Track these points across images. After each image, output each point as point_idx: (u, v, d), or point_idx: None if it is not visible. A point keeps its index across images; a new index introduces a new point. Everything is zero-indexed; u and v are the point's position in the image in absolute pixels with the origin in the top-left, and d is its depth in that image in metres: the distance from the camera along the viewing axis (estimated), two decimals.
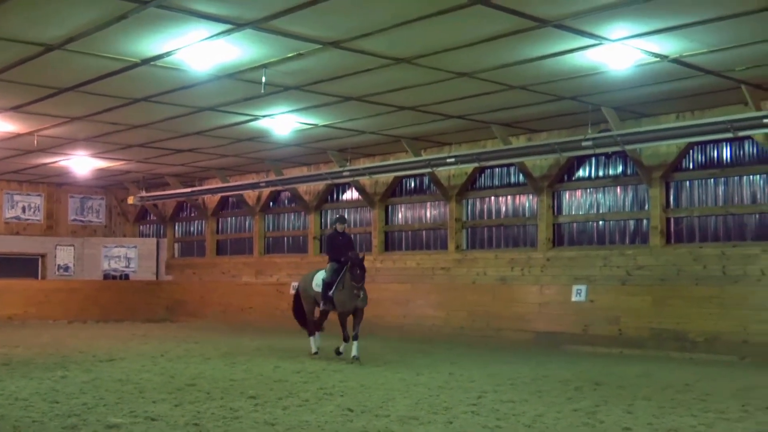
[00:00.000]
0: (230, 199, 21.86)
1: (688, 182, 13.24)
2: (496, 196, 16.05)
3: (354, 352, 10.70)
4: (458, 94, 11.91)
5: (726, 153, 12.77)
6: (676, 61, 9.87)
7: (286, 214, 20.83)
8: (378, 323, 15.40)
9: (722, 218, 12.74)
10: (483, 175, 16.27)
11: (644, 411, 7.05)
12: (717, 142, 12.66)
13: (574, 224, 14.80)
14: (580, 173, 14.76)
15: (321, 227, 19.39)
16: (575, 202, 14.78)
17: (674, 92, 11.58)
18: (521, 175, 15.31)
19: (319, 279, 11.30)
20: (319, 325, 11.97)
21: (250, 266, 21.16)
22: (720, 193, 12.84)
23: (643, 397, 7.93)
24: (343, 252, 11.22)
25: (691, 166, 13.26)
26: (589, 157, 14.17)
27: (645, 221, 13.58)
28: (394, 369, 10.31)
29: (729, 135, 11.51)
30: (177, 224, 24.23)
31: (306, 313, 11.79)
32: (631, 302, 13.08)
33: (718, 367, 10.82)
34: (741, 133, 11.33)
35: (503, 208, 15.91)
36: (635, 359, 11.73)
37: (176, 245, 24.23)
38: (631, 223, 13.96)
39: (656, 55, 9.65)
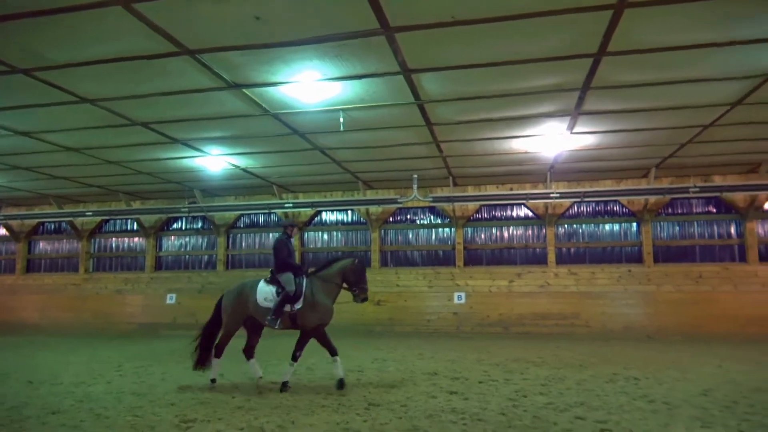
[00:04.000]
0: None
1: (240, 234, 17.47)
2: (118, 237, 18.36)
3: (286, 376, 7.32)
4: (103, 173, 13.62)
5: (260, 219, 17.50)
6: (243, 170, 13.45)
7: None
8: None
9: (257, 255, 17.10)
10: (109, 223, 18.43)
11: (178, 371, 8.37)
12: (257, 213, 17.38)
13: (170, 257, 17.84)
14: (175, 226, 17.91)
15: None
16: (172, 243, 17.91)
17: (238, 185, 15.25)
18: (136, 224, 17.98)
19: (266, 293, 7.42)
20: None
21: None
22: (257, 241, 17.47)
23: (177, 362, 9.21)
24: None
25: (245, 225, 17.64)
26: (181, 217, 17.64)
27: (214, 256, 17.38)
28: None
29: (265, 211, 16.76)
30: None
31: (227, 336, 7.65)
32: (204, 304, 14.89)
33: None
34: (272, 210, 15.99)
35: (122, 246, 18.24)
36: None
37: None
38: (205, 257, 17.53)
39: (234, 166, 13.03)
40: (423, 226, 16.42)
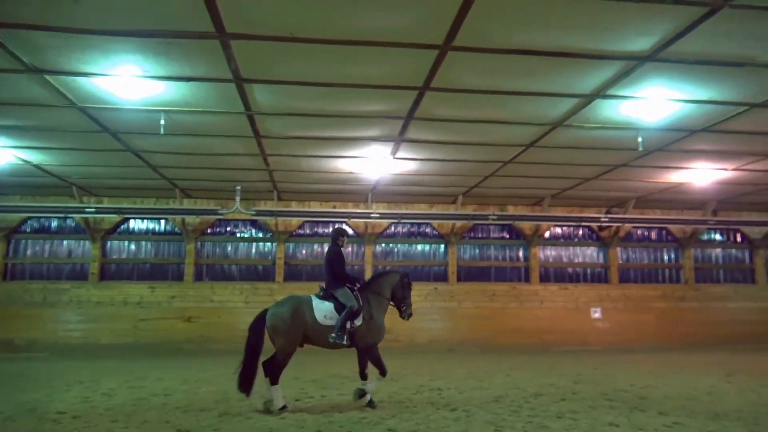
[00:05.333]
0: None
1: (25, 240, 15.12)
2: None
3: (359, 394, 7.05)
4: None
5: (53, 223, 15.33)
6: (36, 166, 11.75)
7: None
8: None
9: (46, 265, 15.04)
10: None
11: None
12: (49, 217, 15.09)
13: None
14: None
15: None
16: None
17: (27, 182, 13.28)
18: None
19: (325, 310, 6.95)
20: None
21: None
22: (47, 248, 15.21)
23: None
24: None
25: (33, 230, 15.27)
26: None
27: None
28: None
29: (60, 215, 14.53)
30: None
31: (286, 359, 6.97)
32: None
33: (36, 361, 12.22)
34: (70, 214, 14.27)
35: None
36: None
37: None
38: None
39: (24, 161, 11.36)
40: (243, 239, 15.93)
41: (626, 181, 13.22)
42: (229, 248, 15.85)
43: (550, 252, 16.89)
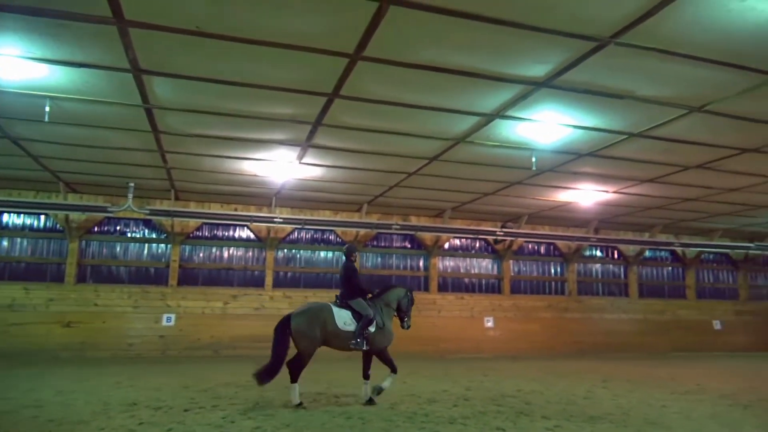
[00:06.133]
0: None
1: None
2: None
3: (378, 391, 7.88)
4: None
5: None
6: None
7: None
8: None
9: None
10: None
11: None
12: None
13: None
14: None
15: None
16: None
17: None
18: None
19: (344, 318, 7.68)
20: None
21: None
22: None
23: None
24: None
25: None
26: None
27: None
28: None
29: None
30: None
31: (306, 360, 7.57)
32: None
33: None
34: None
35: None
36: None
37: None
38: None
39: None
40: (134, 239, 15.01)
41: (520, 198, 14.02)
42: (118, 249, 14.86)
43: (449, 263, 17.50)
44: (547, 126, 8.58)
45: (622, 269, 19.38)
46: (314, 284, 16.09)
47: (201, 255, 15.45)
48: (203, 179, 12.70)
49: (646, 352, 17.68)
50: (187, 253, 15.31)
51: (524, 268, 18.20)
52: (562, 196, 13.76)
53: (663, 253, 19.84)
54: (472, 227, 16.74)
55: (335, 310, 7.72)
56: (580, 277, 18.75)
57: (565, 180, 12.12)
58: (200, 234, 15.49)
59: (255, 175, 12.17)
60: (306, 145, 9.89)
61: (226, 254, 15.64)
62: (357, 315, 7.75)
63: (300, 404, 7.38)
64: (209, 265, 15.40)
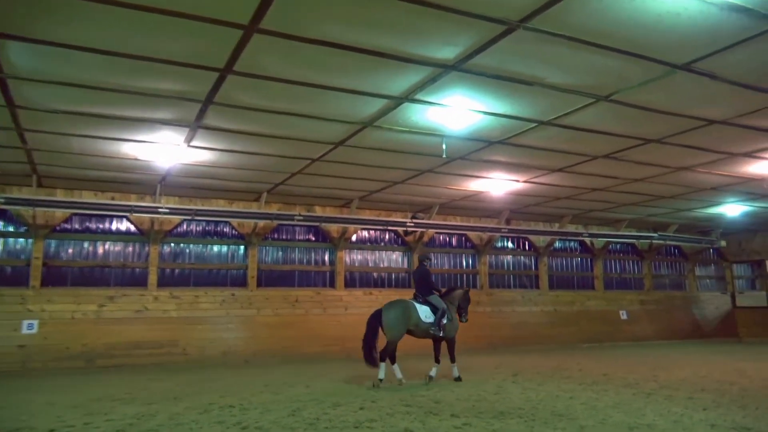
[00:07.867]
0: None
1: None
2: None
3: (456, 373, 10.51)
4: None
5: None
6: None
7: None
8: None
9: None
10: None
11: None
12: None
13: None
14: None
15: None
16: None
17: None
18: None
19: (425, 312, 10.18)
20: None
21: None
22: None
23: None
24: None
25: None
26: None
27: None
28: None
29: None
30: None
31: (395, 344, 10.05)
32: None
33: None
34: None
35: None
36: None
37: None
38: None
39: None
40: None
41: (431, 187, 14.42)
42: None
43: (357, 256, 17.67)
44: (457, 111, 8.88)
45: (533, 260, 20.53)
46: (206, 282, 15.65)
47: (70, 251, 14.50)
48: (72, 163, 11.91)
49: (556, 343, 18.89)
50: (53, 249, 14.31)
51: (435, 261, 18.77)
52: (474, 185, 14.31)
53: (572, 244, 21.25)
54: (381, 218, 17.00)
55: (417, 306, 10.09)
56: (492, 269, 19.64)
57: (477, 168, 12.61)
58: (69, 227, 14.53)
59: (136, 159, 11.59)
60: (195, 126, 9.56)
61: (101, 250, 14.79)
62: (434, 309, 10.14)
63: (400, 381, 9.91)
64: (80, 262, 14.50)
